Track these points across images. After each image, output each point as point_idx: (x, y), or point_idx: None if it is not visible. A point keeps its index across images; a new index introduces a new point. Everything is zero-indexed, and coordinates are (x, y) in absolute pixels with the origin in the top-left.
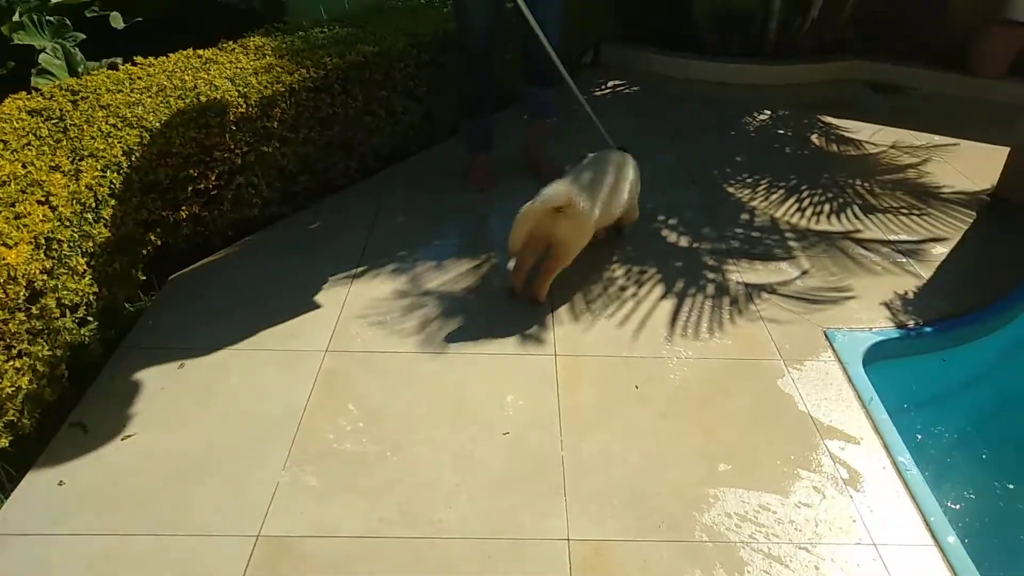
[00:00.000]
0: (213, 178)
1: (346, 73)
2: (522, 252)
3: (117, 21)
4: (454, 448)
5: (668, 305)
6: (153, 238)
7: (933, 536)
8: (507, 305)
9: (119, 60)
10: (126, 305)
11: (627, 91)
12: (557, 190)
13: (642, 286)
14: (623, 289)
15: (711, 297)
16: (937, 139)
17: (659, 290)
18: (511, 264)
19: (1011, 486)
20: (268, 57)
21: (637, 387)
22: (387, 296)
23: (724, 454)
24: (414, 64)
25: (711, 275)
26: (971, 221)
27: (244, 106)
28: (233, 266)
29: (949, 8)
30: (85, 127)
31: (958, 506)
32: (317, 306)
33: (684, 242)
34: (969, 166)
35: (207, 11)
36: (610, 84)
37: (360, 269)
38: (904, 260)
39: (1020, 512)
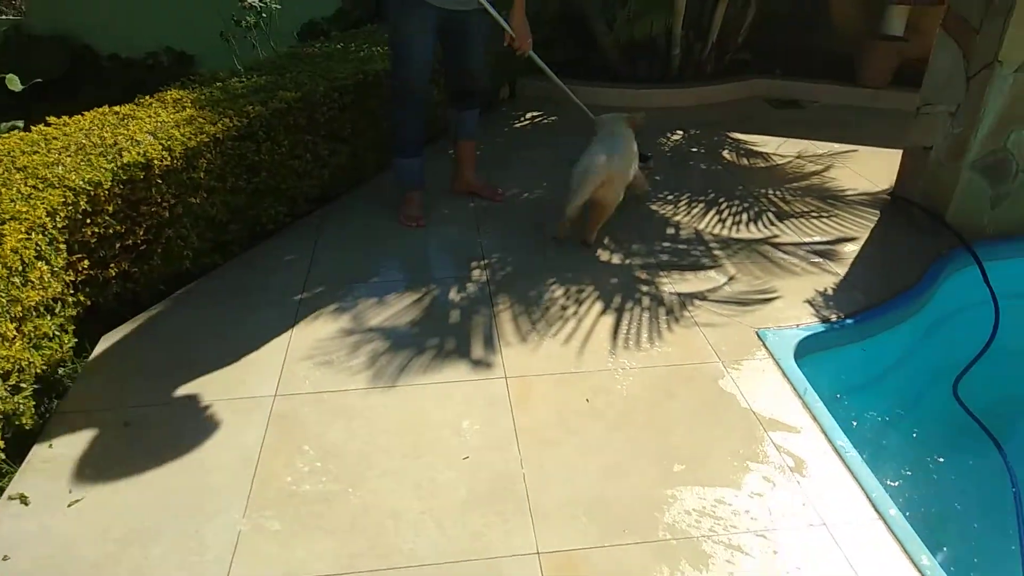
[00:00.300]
0: (141, 233)
1: (269, 120)
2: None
3: (15, 83)
4: (415, 477)
5: (608, 320)
6: (83, 298)
7: (877, 511)
8: (453, 332)
9: (20, 123)
10: (59, 369)
11: (545, 121)
12: (598, 164)
13: (582, 304)
14: (564, 308)
15: (648, 309)
16: (837, 147)
17: (598, 306)
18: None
19: (941, 459)
20: (188, 109)
21: (588, 400)
22: (331, 336)
23: (677, 455)
24: (337, 107)
25: (645, 288)
26: (876, 219)
27: (169, 159)
28: (169, 320)
29: (833, 26)
30: (3, 190)
31: (896, 482)
32: (260, 352)
33: (617, 259)
34: (868, 169)
35: (108, 69)
36: (528, 116)
37: (301, 312)
38: (820, 260)
39: (952, 482)
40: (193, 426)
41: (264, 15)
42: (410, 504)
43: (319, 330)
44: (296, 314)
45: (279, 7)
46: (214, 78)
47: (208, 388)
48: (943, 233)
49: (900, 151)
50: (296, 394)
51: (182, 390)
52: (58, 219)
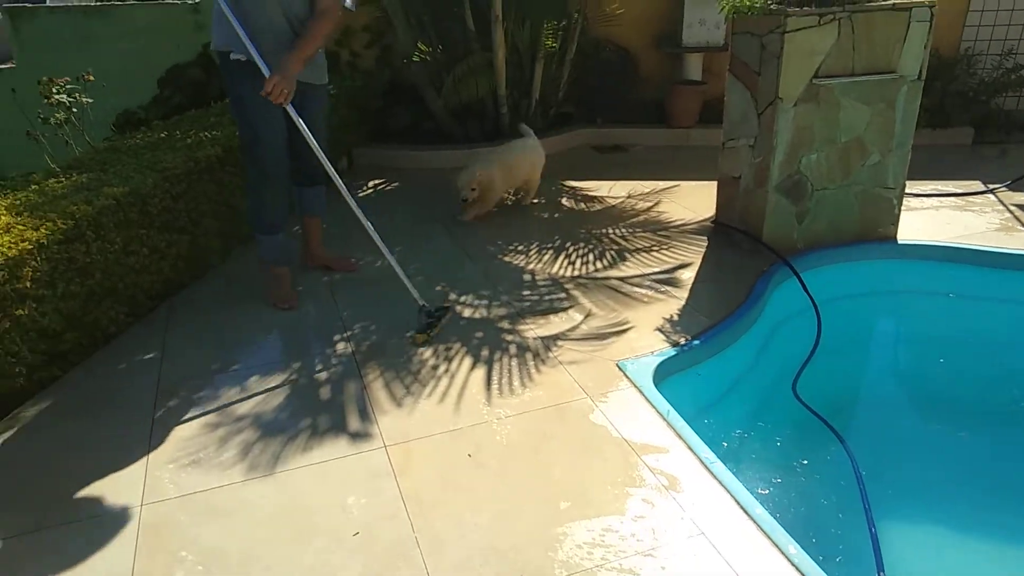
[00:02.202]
0: None
1: (97, 218)
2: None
3: None
4: (308, 562)
5: (479, 373)
6: None
7: (745, 512)
8: (325, 410)
9: None
10: None
11: (388, 188)
12: (470, 172)
13: (451, 361)
14: (435, 368)
15: (514, 356)
16: (661, 184)
17: (468, 361)
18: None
19: (793, 456)
20: (4, 217)
21: (470, 455)
22: (195, 433)
23: (563, 493)
24: (169, 197)
25: (510, 337)
26: (705, 245)
27: None
28: (9, 445)
29: (641, 76)
30: None
31: (759, 484)
32: (119, 463)
33: (479, 314)
34: (691, 201)
35: None
36: (371, 184)
37: (158, 413)
38: (663, 288)
39: (805, 476)
40: (56, 555)
41: (75, 109)
42: None
43: (181, 429)
44: (153, 417)
45: (90, 100)
46: (28, 181)
47: (67, 510)
48: (762, 251)
49: (715, 182)
50: (165, 500)
51: (35, 518)
52: None
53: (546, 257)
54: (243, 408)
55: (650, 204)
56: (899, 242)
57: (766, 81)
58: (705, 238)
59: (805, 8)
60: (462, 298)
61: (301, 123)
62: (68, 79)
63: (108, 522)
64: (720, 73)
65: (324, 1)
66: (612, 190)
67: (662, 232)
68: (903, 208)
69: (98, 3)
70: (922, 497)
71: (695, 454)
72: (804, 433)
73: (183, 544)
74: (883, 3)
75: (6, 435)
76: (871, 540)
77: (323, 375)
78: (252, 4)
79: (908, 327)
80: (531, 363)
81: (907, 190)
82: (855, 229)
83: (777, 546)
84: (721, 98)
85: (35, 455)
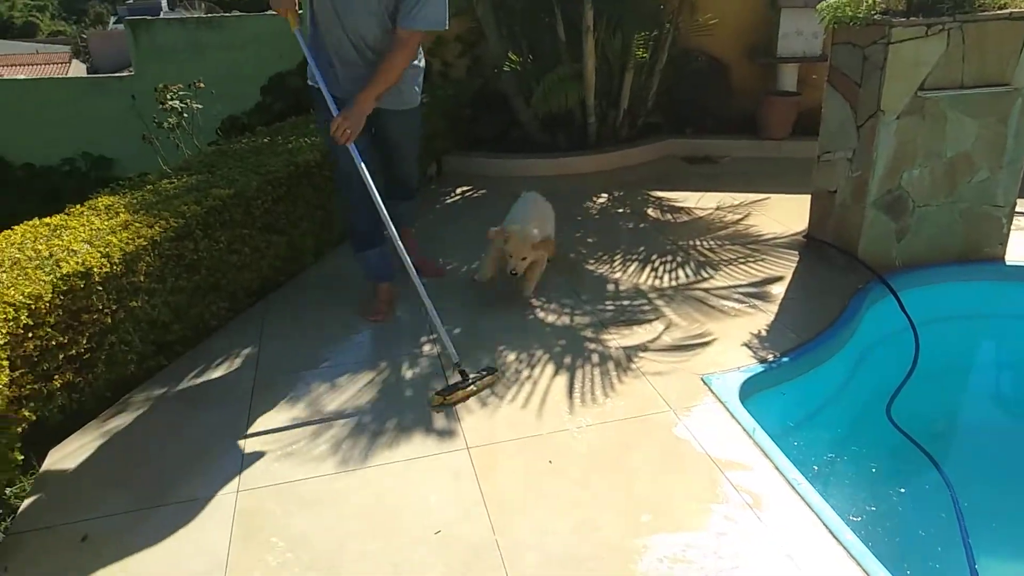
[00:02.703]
0: (84, 342)
1: (205, 218)
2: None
3: None
4: (389, 558)
5: (561, 380)
6: (27, 414)
7: (834, 537)
8: (411, 409)
9: None
10: (7, 490)
11: (474, 195)
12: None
13: (534, 367)
14: (518, 372)
15: (597, 365)
16: (751, 196)
17: (551, 368)
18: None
19: (884, 481)
20: (123, 215)
21: (551, 462)
22: (288, 425)
23: (644, 506)
24: (271, 199)
25: (592, 346)
26: (796, 260)
27: (108, 265)
28: (118, 428)
29: (733, 87)
30: None
31: (848, 507)
32: (217, 450)
33: (562, 322)
34: (782, 215)
35: (21, 179)
36: (458, 191)
37: (254, 405)
38: (751, 302)
39: (897, 502)
40: (156, 533)
41: (186, 115)
42: None
43: (275, 421)
44: (249, 408)
45: (200, 106)
46: (144, 182)
47: (167, 492)
48: (857, 268)
49: (808, 196)
50: (258, 488)
51: (140, 497)
52: None
53: (631, 267)
54: (334, 404)
55: (739, 216)
56: (1007, 263)
57: (867, 93)
58: (796, 253)
59: (912, 18)
60: (546, 305)
61: (363, 168)
62: (181, 86)
63: (206, 505)
64: (816, 84)
65: (402, 32)
66: (700, 201)
67: (751, 245)
68: (1012, 227)
69: (209, 15)
70: None
71: (781, 474)
72: (897, 459)
73: (275, 531)
74: (998, 12)
75: (116, 419)
76: (969, 571)
77: (409, 375)
78: (324, 31)
79: (1012, 353)
80: (613, 373)
81: (1018, 208)
82: (958, 248)
83: (867, 573)
84: (816, 109)
85: (141, 439)
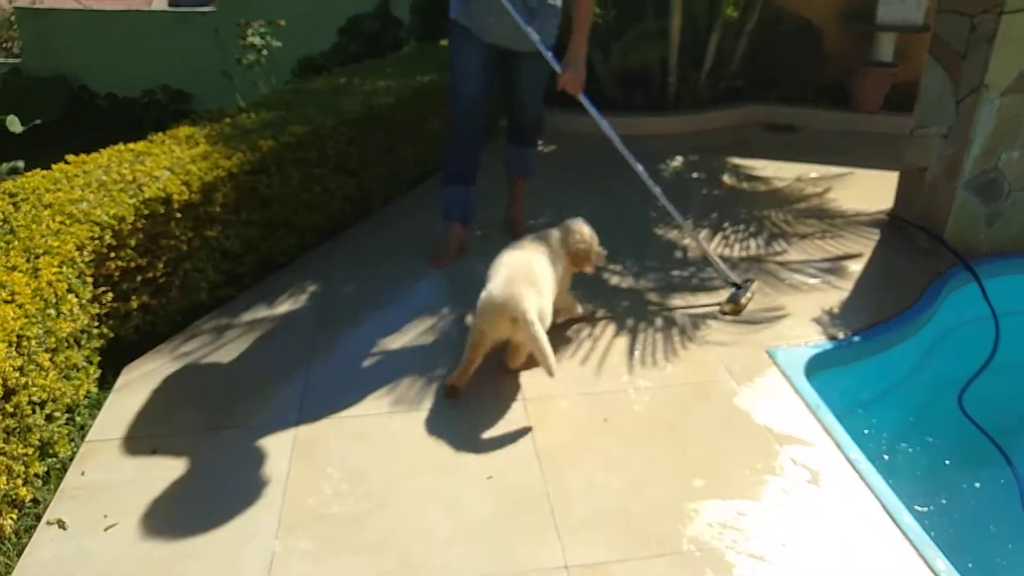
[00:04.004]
0: (161, 266)
1: (280, 154)
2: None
3: (15, 125)
4: (441, 496)
5: (622, 341)
6: (106, 331)
7: (892, 519)
8: None
9: (20, 164)
10: (85, 399)
11: (545, 150)
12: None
13: (596, 326)
14: (578, 330)
15: (660, 329)
16: (833, 169)
17: (612, 328)
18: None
19: (950, 470)
20: (202, 145)
21: (606, 420)
22: (349, 362)
23: (697, 471)
24: (344, 140)
25: (656, 310)
26: (876, 239)
27: (187, 193)
28: (187, 351)
29: (824, 53)
30: (33, 226)
31: (909, 492)
32: (280, 381)
33: (627, 284)
34: (865, 191)
35: (105, 109)
36: (552, 145)
37: (317, 341)
38: (825, 278)
39: (962, 492)
40: (219, 452)
41: (264, 52)
42: (438, 522)
43: (335, 358)
44: (313, 343)
45: (279, 44)
46: (223, 114)
47: (231, 416)
48: (942, 252)
49: (895, 173)
50: (317, 419)
51: (206, 418)
52: (85, 253)
53: (701, 234)
54: (394, 345)
55: (820, 190)
56: None
57: (971, 66)
58: (878, 231)
59: None
60: (612, 265)
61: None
62: (262, 23)
63: (267, 432)
64: (914, 56)
65: None
66: (779, 172)
67: (829, 220)
68: None
69: None
70: None
71: (843, 452)
72: (965, 450)
73: (331, 461)
74: None
75: (187, 344)
76: None
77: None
78: None
79: None
80: (676, 338)
81: None
82: None
83: (924, 559)
84: (912, 83)
85: (209, 364)
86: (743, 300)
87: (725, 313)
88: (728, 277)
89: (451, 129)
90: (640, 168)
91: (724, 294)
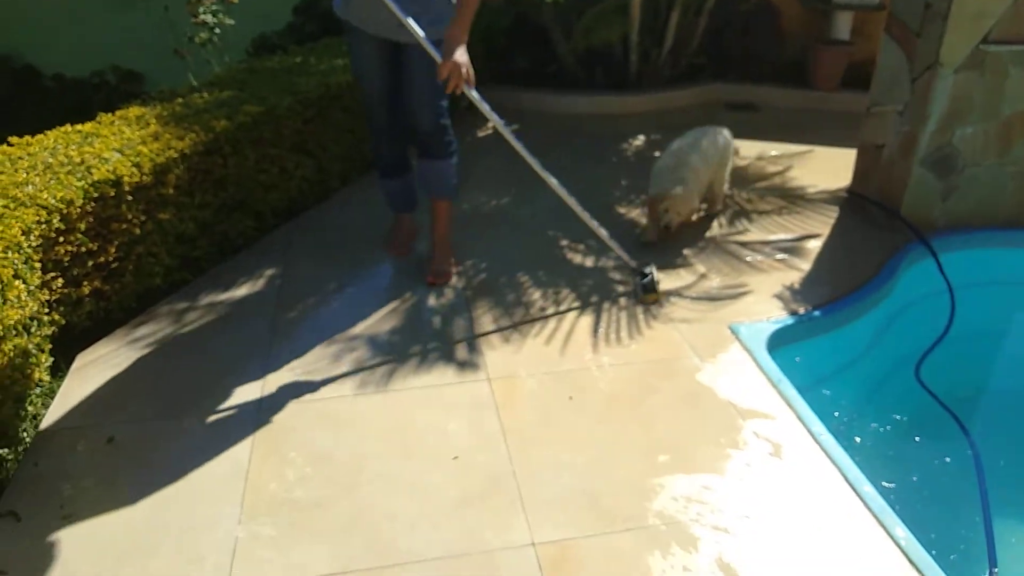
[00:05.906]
0: (113, 251)
1: (235, 134)
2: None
3: None
4: (407, 479)
5: (587, 320)
6: (57, 317)
7: (853, 488)
8: (434, 338)
9: None
10: (37, 388)
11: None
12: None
13: (560, 304)
14: (543, 309)
15: (624, 308)
16: (793, 147)
17: (576, 307)
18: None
19: (908, 440)
20: (153, 125)
21: (571, 398)
22: (311, 347)
23: (662, 447)
24: (301, 120)
25: (620, 288)
26: (835, 216)
27: (138, 175)
28: (143, 337)
29: (783, 32)
30: None
31: (869, 462)
32: (240, 365)
33: (590, 263)
34: (824, 168)
35: (52, 90)
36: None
37: (277, 324)
38: (786, 256)
39: (920, 461)
40: (178, 440)
41: (217, 30)
42: (404, 505)
43: (297, 341)
44: (273, 326)
45: (232, 22)
46: (174, 94)
47: (190, 402)
48: (898, 227)
49: (853, 150)
50: (280, 404)
51: (163, 405)
52: (32, 238)
53: None
54: (357, 328)
55: (780, 168)
56: None
57: (926, 44)
58: (837, 208)
59: None
60: (574, 245)
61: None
62: (213, 0)
63: (228, 419)
64: (870, 34)
65: None
66: (740, 150)
67: (790, 198)
68: None
69: None
70: None
71: (804, 424)
72: (922, 420)
73: (294, 446)
74: None
75: (142, 329)
76: (986, 535)
77: (434, 304)
78: None
79: None
80: (640, 317)
81: None
82: (1008, 212)
83: (884, 527)
84: (868, 61)
85: (166, 349)
86: (657, 284)
87: (649, 304)
88: (629, 263)
89: (368, 128)
90: (550, 178)
91: (681, 274)
